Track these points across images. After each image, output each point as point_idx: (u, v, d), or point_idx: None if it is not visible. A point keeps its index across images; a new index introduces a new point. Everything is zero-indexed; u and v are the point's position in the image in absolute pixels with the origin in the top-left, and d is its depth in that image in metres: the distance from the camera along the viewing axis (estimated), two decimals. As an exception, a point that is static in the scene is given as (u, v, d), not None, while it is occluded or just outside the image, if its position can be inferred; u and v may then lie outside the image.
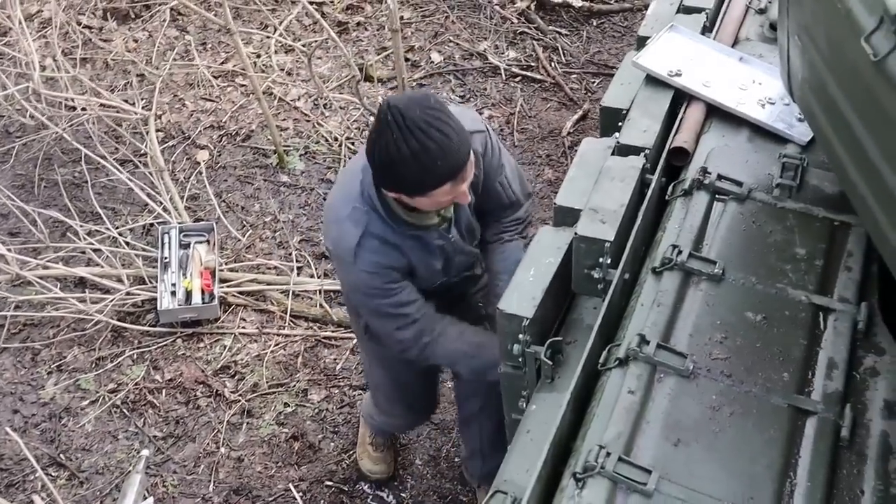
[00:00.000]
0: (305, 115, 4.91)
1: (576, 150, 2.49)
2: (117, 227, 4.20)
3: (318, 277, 4.08)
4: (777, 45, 2.40)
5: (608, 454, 1.69)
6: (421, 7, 5.63)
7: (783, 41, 2.22)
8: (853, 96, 1.79)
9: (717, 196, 2.22)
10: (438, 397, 3.21)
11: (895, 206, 1.68)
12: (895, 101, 1.57)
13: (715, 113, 2.50)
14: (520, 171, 2.67)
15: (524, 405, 2.21)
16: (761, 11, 2.86)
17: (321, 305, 3.94)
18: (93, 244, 4.07)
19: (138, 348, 3.84)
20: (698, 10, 2.83)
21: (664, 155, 2.37)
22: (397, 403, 3.10)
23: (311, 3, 5.10)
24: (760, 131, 2.43)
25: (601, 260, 2.12)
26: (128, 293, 3.92)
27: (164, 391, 3.70)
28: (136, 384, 3.71)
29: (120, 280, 3.96)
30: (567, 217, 2.27)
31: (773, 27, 2.76)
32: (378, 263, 2.38)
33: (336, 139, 4.75)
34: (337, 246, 2.43)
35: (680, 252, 2.06)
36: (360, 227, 2.35)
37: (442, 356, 2.60)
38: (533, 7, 5.55)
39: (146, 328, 3.89)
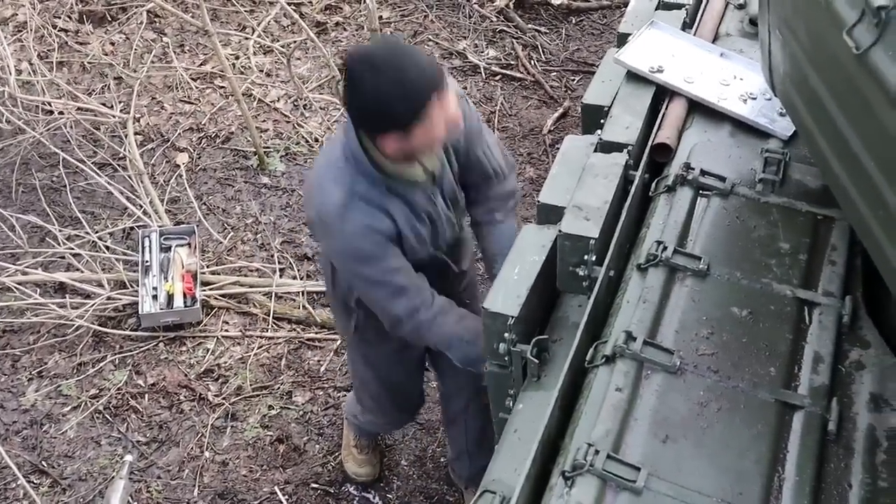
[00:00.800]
0: (285, 116, 4.89)
1: (557, 148, 2.49)
2: (97, 232, 4.16)
3: (301, 279, 4.06)
4: (757, 41, 2.41)
5: (597, 452, 1.69)
6: (399, 6, 5.62)
7: (764, 35, 2.22)
8: (835, 90, 1.79)
9: (700, 192, 2.22)
10: (424, 397, 3.20)
11: (879, 199, 1.68)
12: (878, 95, 1.57)
13: (697, 109, 2.50)
14: (499, 144, 2.65)
15: (511, 404, 2.20)
16: (741, 7, 2.87)
17: (304, 307, 3.92)
18: (72, 249, 4.03)
19: (120, 353, 3.80)
20: (678, 7, 2.84)
21: (647, 151, 2.37)
22: (384, 403, 3.07)
23: (289, 4, 5.08)
24: (742, 126, 2.44)
25: (586, 257, 2.11)
26: (109, 298, 3.88)
27: (146, 396, 3.67)
28: (118, 389, 3.68)
29: (100, 284, 3.93)
30: (551, 215, 2.26)
31: (752, 22, 2.77)
32: (366, 225, 2.30)
33: (317, 140, 4.72)
34: (321, 210, 2.33)
35: (665, 248, 2.05)
36: (345, 188, 2.29)
37: (438, 336, 2.49)
38: (512, 5, 5.55)
39: (128, 333, 3.86)
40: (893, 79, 1.51)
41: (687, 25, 2.80)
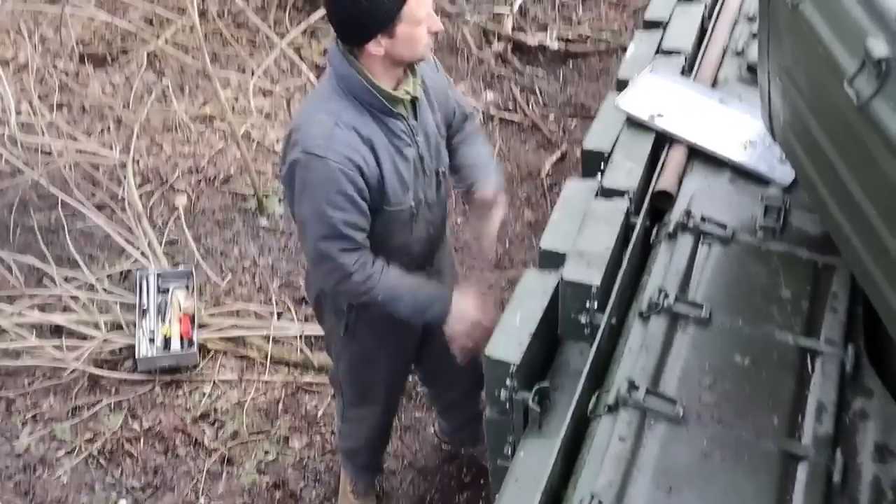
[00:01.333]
0: (284, 158, 4.89)
1: (555, 191, 2.50)
2: (94, 274, 4.14)
3: (299, 322, 4.04)
4: (756, 87, 2.42)
5: (599, 503, 1.67)
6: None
7: (764, 83, 2.23)
8: (836, 139, 1.80)
9: (701, 238, 2.22)
10: (401, 397, 3.27)
11: (880, 246, 1.67)
12: (879, 145, 1.57)
13: (697, 155, 2.51)
14: None
15: (510, 451, 2.18)
16: (739, 53, 2.89)
17: (302, 351, 3.90)
18: (69, 291, 4.01)
19: (115, 396, 3.77)
20: (677, 53, 2.86)
21: (648, 197, 2.37)
22: (367, 395, 3.02)
23: (289, 46, 5.11)
24: (742, 173, 2.44)
25: (588, 304, 2.10)
26: (105, 340, 3.86)
27: (142, 440, 3.63)
28: (113, 433, 3.64)
29: (97, 327, 3.91)
30: (552, 260, 2.26)
31: (750, 69, 2.78)
32: (349, 160, 2.32)
33: (315, 182, 4.72)
34: (306, 142, 2.33)
35: (666, 296, 2.05)
36: (333, 116, 2.33)
37: (384, 289, 2.47)
38: (510, 49, 5.59)
39: (124, 376, 3.83)
40: (894, 129, 1.51)
41: (686, 71, 2.82)
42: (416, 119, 2.46)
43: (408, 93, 2.41)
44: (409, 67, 2.42)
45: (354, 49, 2.33)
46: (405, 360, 2.98)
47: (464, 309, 2.56)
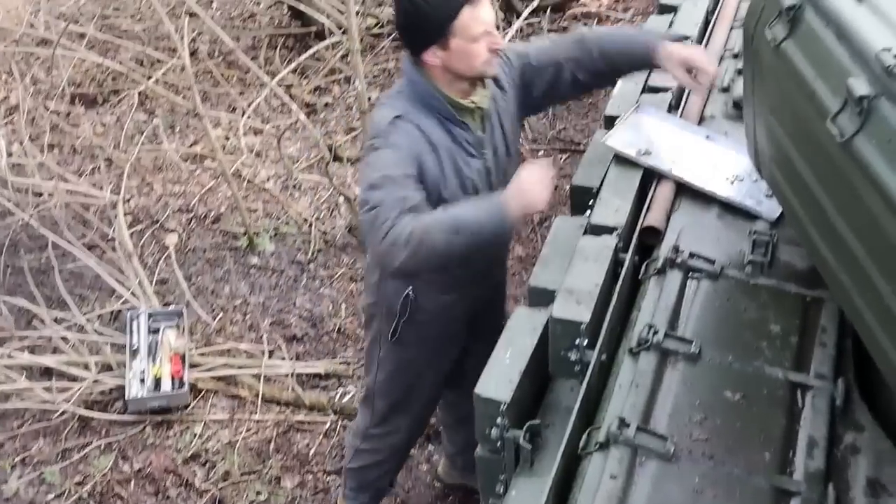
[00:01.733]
0: (275, 196, 4.91)
1: (545, 226, 2.50)
2: (85, 314, 4.13)
3: (290, 360, 4.02)
4: (742, 123, 2.44)
5: (592, 543, 1.66)
6: (388, 87, 5.69)
7: (749, 120, 2.25)
8: (821, 175, 1.82)
9: (690, 274, 2.23)
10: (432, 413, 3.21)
11: (867, 282, 1.68)
12: (862, 181, 1.59)
13: (684, 191, 2.52)
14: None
15: (501, 489, 2.17)
16: (725, 90, 2.91)
17: (293, 389, 3.88)
18: (59, 332, 3.99)
19: (106, 438, 3.75)
20: (664, 90, 2.88)
21: (636, 234, 2.38)
22: (401, 409, 2.99)
23: (279, 85, 5.14)
24: (730, 208, 2.45)
25: (578, 341, 2.11)
26: (95, 381, 3.84)
27: (132, 482, 3.60)
28: (103, 475, 3.62)
29: (87, 368, 3.89)
30: (542, 297, 2.26)
31: (736, 105, 2.81)
32: (408, 145, 2.39)
33: (306, 220, 4.74)
34: (374, 126, 2.45)
35: (656, 332, 2.05)
36: (397, 110, 2.44)
37: (428, 238, 2.27)
38: (499, 86, 5.63)
39: (114, 417, 3.81)
40: (877, 166, 1.53)
41: (672, 108, 2.84)
42: (483, 132, 2.53)
43: (474, 103, 2.49)
44: (478, 79, 2.49)
45: (417, 57, 2.43)
46: (445, 371, 2.95)
47: (518, 186, 2.37)
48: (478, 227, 2.31)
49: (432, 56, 2.40)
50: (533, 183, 2.34)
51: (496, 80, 2.56)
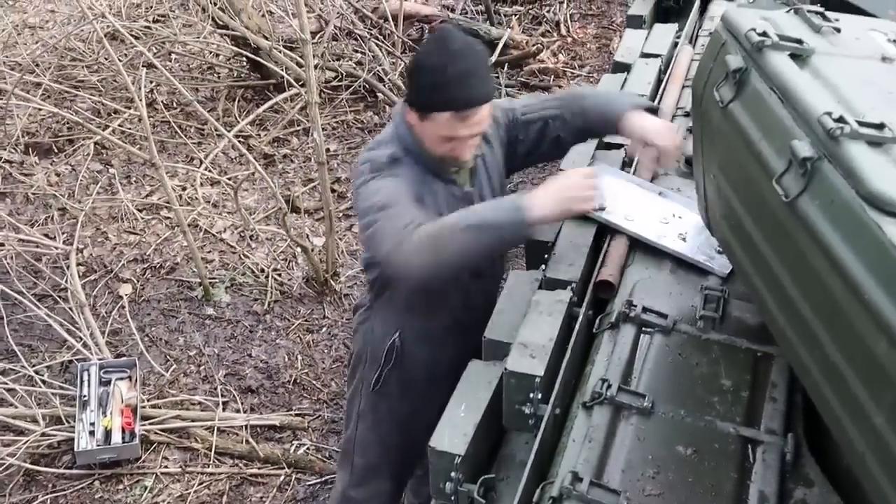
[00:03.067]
0: (231, 246, 4.89)
1: (502, 282, 2.52)
2: (34, 365, 4.06)
3: (245, 412, 3.98)
4: (693, 180, 2.49)
5: None
6: (347, 139, 5.73)
7: (699, 178, 2.30)
8: (768, 233, 1.86)
9: (643, 328, 2.25)
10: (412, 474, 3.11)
11: (814, 340, 1.72)
12: (807, 240, 1.63)
13: (638, 246, 2.56)
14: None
15: (457, 545, 2.16)
16: (676, 148, 2.97)
17: (247, 441, 3.84)
18: (6, 384, 3.92)
19: (52, 493, 3.67)
20: (617, 146, 2.94)
21: (590, 288, 2.40)
22: (380, 467, 2.91)
23: (236, 137, 5.15)
24: (682, 263, 2.49)
25: (531, 395, 2.11)
26: (43, 434, 3.76)
27: (79, 539, 3.53)
28: (49, 531, 3.53)
29: (35, 420, 3.81)
30: (497, 350, 2.27)
31: (688, 162, 2.86)
32: (410, 180, 2.42)
33: (262, 271, 4.72)
34: (367, 166, 2.46)
35: (609, 386, 2.06)
36: (393, 151, 2.46)
37: (441, 239, 2.26)
38: (457, 139, 5.69)
39: (62, 471, 3.73)
40: (821, 226, 1.57)
41: (626, 164, 2.89)
42: (472, 186, 2.57)
43: (458, 160, 2.50)
44: None
45: (406, 105, 2.47)
46: (427, 428, 2.87)
47: (554, 186, 2.41)
48: (497, 224, 2.32)
49: (411, 115, 2.45)
50: (571, 187, 2.42)
51: (483, 135, 2.56)
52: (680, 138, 2.64)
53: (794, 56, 1.85)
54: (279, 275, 4.69)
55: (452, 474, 2.08)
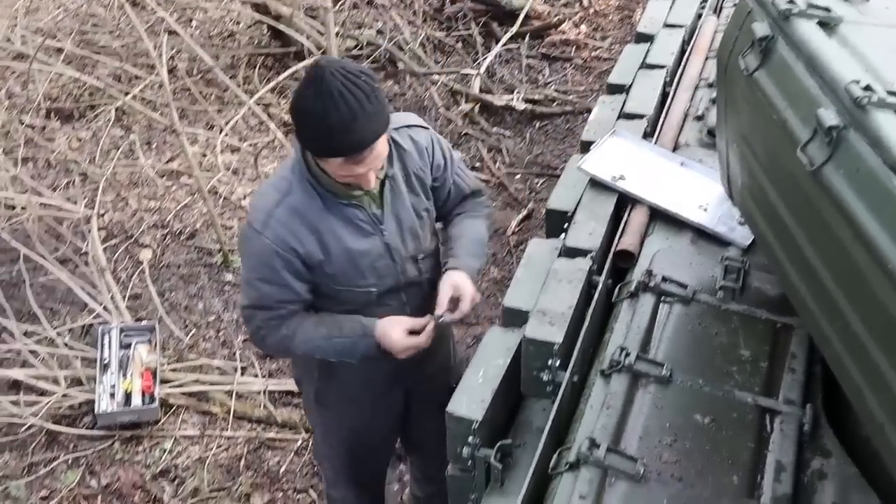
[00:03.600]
0: (251, 213, 4.90)
1: (521, 249, 2.52)
2: (55, 328, 4.10)
3: (263, 377, 4.01)
4: (716, 150, 2.48)
5: (561, 562, 1.67)
6: (367, 108, 5.72)
7: (722, 148, 2.29)
8: (791, 203, 1.85)
9: (662, 298, 2.25)
10: (383, 476, 3.14)
11: (835, 310, 1.71)
12: (831, 209, 1.62)
13: (658, 216, 2.56)
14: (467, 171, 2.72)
15: (472, 510, 2.18)
16: (699, 118, 2.96)
17: (265, 406, 3.87)
18: (29, 345, 3.96)
19: (73, 453, 3.71)
20: (639, 116, 2.92)
21: (610, 257, 2.40)
22: (342, 474, 2.96)
23: (257, 104, 5.15)
24: (703, 234, 2.49)
25: (550, 362, 2.12)
26: (64, 395, 3.81)
27: (99, 497, 3.57)
28: (70, 490, 3.58)
29: (56, 382, 3.85)
30: (515, 318, 2.28)
31: (710, 133, 2.85)
32: (282, 240, 2.32)
33: (281, 238, 4.73)
34: (252, 210, 2.39)
35: (628, 354, 2.07)
36: (280, 194, 2.33)
37: (302, 346, 2.47)
38: (477, 109, 5.68)
39: (83, 431, 3.77)
40: (845, 195, 1.56)
41: (648, 135, 2.88)
42: (381, 208, 2.41)
43: (361, 190, 2.35)
44: None
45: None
46: (381, 437, 2.89)
47: (388, 338, 2.46)
48: (348, 354, 2.48)
49: (329, 164, 2.26)
50: (401, 343, 2.44)
51: (399, 154, 2.44)
52: (469, 308, 2.54)
53: (822, 24, 1.84)
54: (298, 242, 4.70)
55: (469, 439, 2.09)
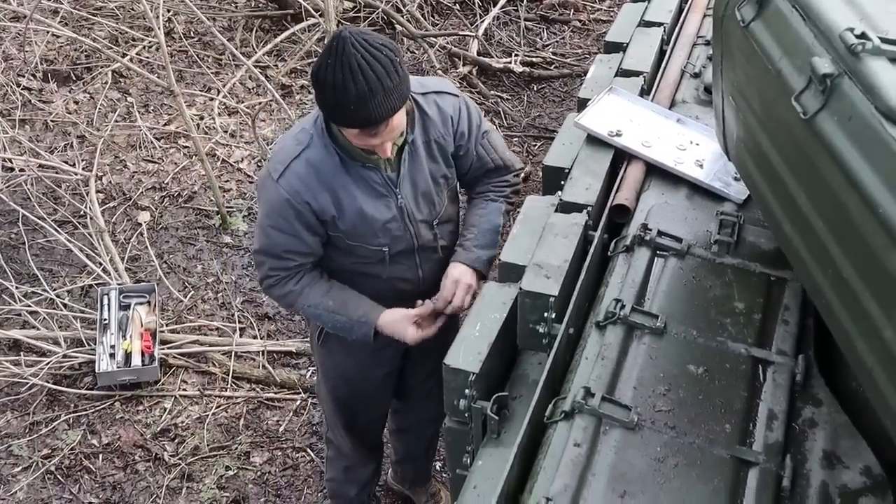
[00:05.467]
0: (249, 176, 4.91)
1: (518, 209, 2.53)
2: (55, 289, 4.12)
3: (261, 338, 4.04)
4: (712, 107, 2.48)
5: (555, 507, 1.69)
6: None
7: (718, 102, 2.29)
8: (785, 154, 1.86)
9: (657, 252, 2.27)
10: (381, 434, 3.19)
11: (828, 260, 1.73)
12: (824, 157, 1.63)
13: (654, 172, 2.56)
14: (508, 149, 2.76)
15: (468, 461, 2.20)
16: (696, 75, 2.96)
17: (264, 367, 3.90)
18: (29, 306, 3.98)
19: (74, 412, 3.75)
20: (636, 74, 2.92)
21: (606, 212, 2.41)
22: (338, 420, 3.00)
23: (255, 67, 5.13)
24: (698, 189, 2.50)
25: (546, 315, 2.14)
26: (65, 356, 3.84)
27: (100, 456, 3.61)
28: (71, 449, 3.62)
29: (57, 342, 3.88)
30: (512, 273, 2.29)
31: (707, 90, 2.85)
32: (297, 192, 2.38)
33: (280, 200, 4.74)
34: (270, 160, 2.45)
35: (623, 306, 2.08)
36: (300, 147, 2.40)
37: (306, 308, 2.56)
38: (475, 72, 5.66)
39: (83, 391, 3.80)
40: (838, 142, 1.57)
41: (644, 92, 2.88)
42: (397, 171, 2.45)
43: (377, 156, 2.39)
44: None
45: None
46: (380, 384, 2.90)
47: (399, 333, 2.57)
48: (344, 332, 2.57)
49: (345, 131, 2.34)
50: (413, 337, 2.55)
51: (423, 118, 2.48)
52: (464, 301, 2.59)
53: (817, -27, 1.83)
54: (296, 205, 4.70)
55: (466, 391, 2.11)
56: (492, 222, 2.66)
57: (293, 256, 2.49)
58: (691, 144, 2.62)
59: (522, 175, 2.78)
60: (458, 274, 2.57)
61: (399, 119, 2.30)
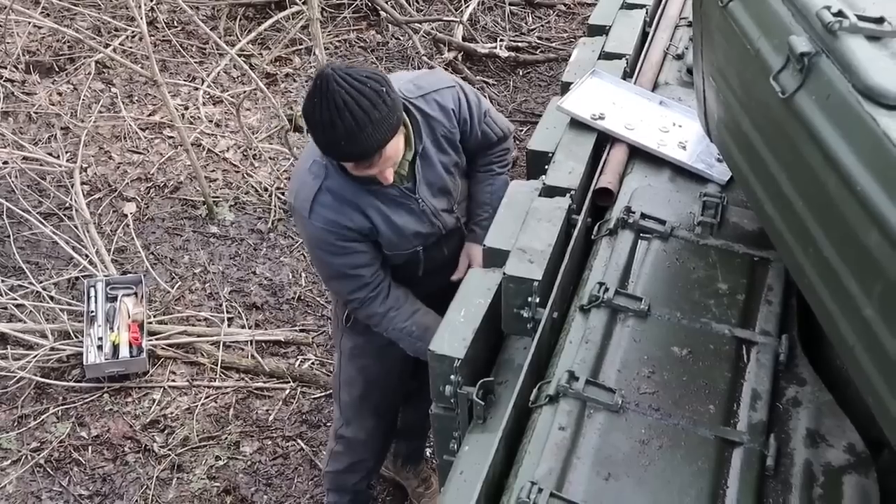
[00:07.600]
0: (235, 165, 4.89)
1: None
2: (41, 282, 4.10)
3: (249, 328, 4.03)
4: (694, 89, 2.48)
5: (540, 490, 1.69)
6: (349, 58, 5.68)
7: (699, 83, 2.29)
8: (765, 134, 1.86)
9: (641, 234, 2.27)
10: (398, 409, 3.19)
11: (809, 239, 1.73)
12: (803, 136, 1.63)
13: (637, 154, 2.56)
14: (495, 111, 2.80)
15: (455, 446, 2.20)
16: (678, 57, 2.96)
17: (252, 356, 3.89)
18: (15, 299, 3.97)
19: (63, 405, 3.74)
20: (619, 56, 2.91)
21: (589, 195, 2.41)
22: (364, 405, 2.99)
23: (238, 55, 5.11)
24: (681, 171, 2.50)
25: (530, 299, 2.14)
26: (52, 349, 3.83)
27: (90, 448, 3.60)
28: (60, 442, 3.61)
29: (44, 335, 3.87)
30: (496, 258, 2.29)
31: (689, 72, 2.85)
32: (332, 221, 2.44)
33: (266, 189, 4.73)
34: (295, 199, 2.50)
35: (606, 289, 2.08)
36: (318, 180, 2.44)
37: (389, 331, 2.64)
38: (460, 57, 5.65)
39: (71, 384, 3.80)
40: (816, 121, 1.57)
41: (627, 74, 2.87)
42: (413, 180, 2.52)
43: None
44: None
45: None
46: (402, 368, 2.92)
47: None
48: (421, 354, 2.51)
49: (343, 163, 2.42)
50: None
51: (427, 117, 2.52)
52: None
53: (794, -48, 1.83)
54: (283, 193, 4.70)
55: (452, 377, 2.11)
56: (493, 195, 2.74)
57: (359, 270, 2.54)
58: (674, 126, 2.62)
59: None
60: (474, 252, 2.69)
61: (393, 147, 2.34)
